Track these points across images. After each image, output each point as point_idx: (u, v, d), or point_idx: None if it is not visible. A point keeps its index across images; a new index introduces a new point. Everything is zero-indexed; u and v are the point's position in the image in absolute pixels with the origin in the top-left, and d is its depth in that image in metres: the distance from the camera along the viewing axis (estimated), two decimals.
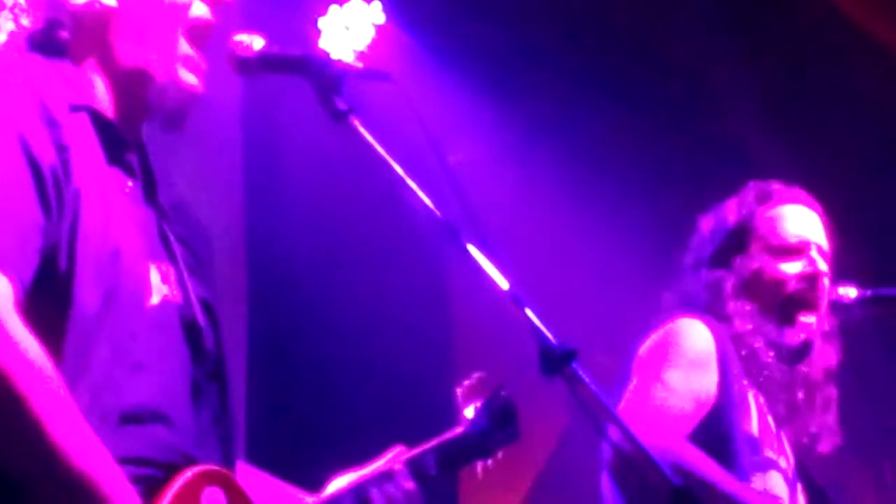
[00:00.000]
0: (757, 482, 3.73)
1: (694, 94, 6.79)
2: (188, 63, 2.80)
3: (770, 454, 3.81)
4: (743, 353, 3.81)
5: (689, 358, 3.76)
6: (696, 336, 3.80)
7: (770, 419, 3.86)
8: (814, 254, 3.88)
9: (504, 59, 6.18)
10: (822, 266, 3.85)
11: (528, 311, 2.56)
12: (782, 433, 3.87)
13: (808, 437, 3.87)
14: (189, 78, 2.79)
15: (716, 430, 3.71)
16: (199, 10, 2.81)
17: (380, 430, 2.97)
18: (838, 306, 3.83)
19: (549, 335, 2.53)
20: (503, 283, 2.63)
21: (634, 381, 3.72)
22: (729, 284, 3.86)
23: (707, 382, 3.73)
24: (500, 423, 2.99)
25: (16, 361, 2.42)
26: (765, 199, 3.95)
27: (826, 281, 3.85)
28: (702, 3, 6.62)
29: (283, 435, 4.79)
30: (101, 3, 2.76)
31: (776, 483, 3.81)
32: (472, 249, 2.66)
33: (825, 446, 3.89)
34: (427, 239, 2.87)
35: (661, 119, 6.64)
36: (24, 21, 2.79)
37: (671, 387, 3.67)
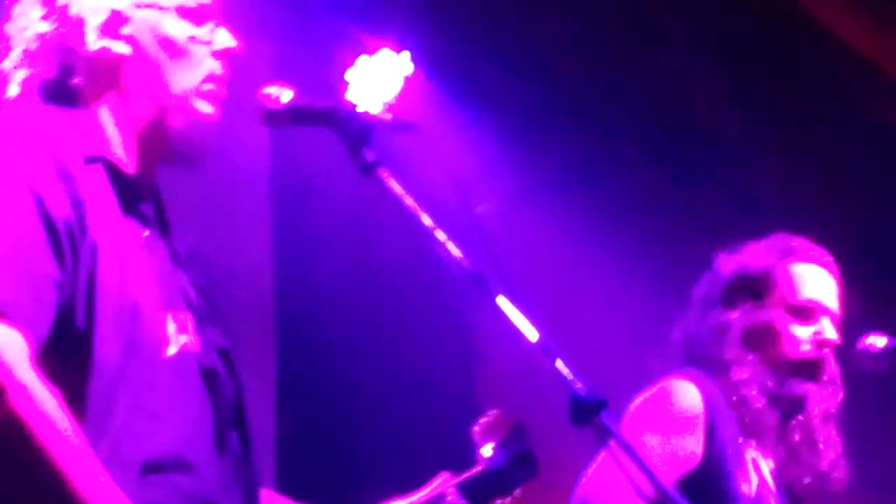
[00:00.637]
0: None
1: (710, 147, 6.80)
2: (203, 94, 2.80)
3: None
4: (734, 399, 3.79)
5: (672, 421, 3.74)
6: (682, 399, 3.77)
7: (769, 477, 3.84)
8: (826, 321, 3.86)
9: (529, 110, 6.20)
10: (833, 335, 3.83)
11: (559, 362, 2.54)
12: (782, 490, 3.85)
13: (815, 478, 3.83)
14: (204, 107, 2.79)
15: (704, 492, 3.66)
16: (212, 64, 2.83)
17: (402, 468, 2.96)
18: (867, 356, 3.81)
19: (579, 385, 2.52)
20: (532, 334, 2.60)
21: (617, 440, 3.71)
22: (736, 329, 3.83)
23: (689, 445, 3.71)
24: (518, 460, 2.97)
25: (33, 414, 2.42)
26: (789, 253, 3.93)
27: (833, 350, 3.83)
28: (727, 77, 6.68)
29: (312, 469, 4.80)
30: (114, 51, 2.76)
31: None
32: (501, 300, 2.64)
33: (835, 484, 3.86)
34: (454, 288, 2.85)
35: (678, 170, 6.65)
36: (39, 67, 2.78)
37: (648, 448, 3.63)
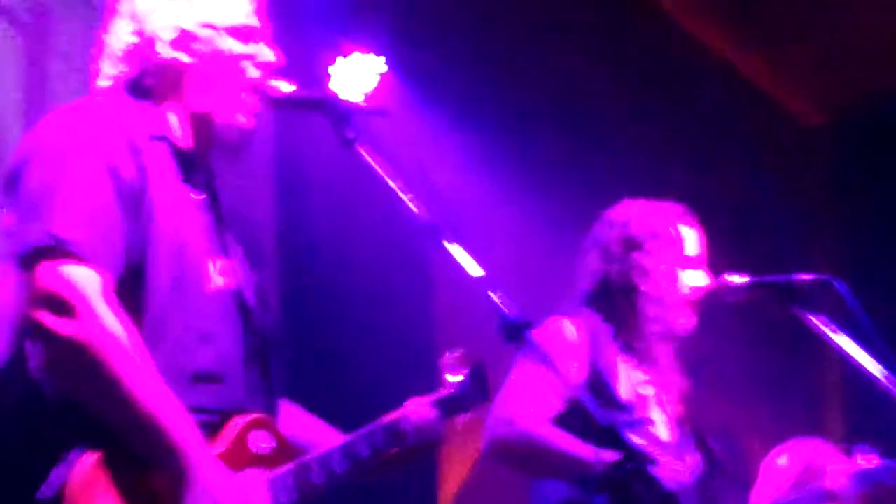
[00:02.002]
0: (633, 433, 3.62)
1: (610, 129, 6.78)
2: (242, 105, 2.79)
3: (643, 412, 3.77)
4: (627, 329, 3.76)
5: (559, 347, 3.70)
6: (565, 330, 3.75)
7: (644, 386, 3.81)
8: (703, 269, 3.86)
9: (472, 98, 6.17)
10: (708, 280, 3.83)
11: (492, 293, 2.55)
12: (661, 394, 3.83)
13: (678, 388, 3.83)
14: (241, 118, 2.78)
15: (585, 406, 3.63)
16: (255, 73, 2.81)
17: (381, 391, 2.96)
18: (727, 290, 3.81)
19: (508, 311, 2.52)
20: (475, 271, 2.62)
21: (514, 369, 3.69)
22: (632, 277, 3.82)
23: (575, 367, 3.68)
24: (477, 387, 2.98)
25: (103, 336, 2.40)
26: (670, 215, 3.91)
27: (705, 282, 3.82)
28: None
29: (314, 389, 4.79)
30: (180, 60, 2.75)
31: (649, 433, 3.76)
32: (450, 245, 2.65)
33: (679, 395, 3.86)
34: (416, 236, 2.85)
35: (587, 144, 6.62)
36: (124, 68, 2.78)
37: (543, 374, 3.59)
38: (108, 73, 2.79)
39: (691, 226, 3.92)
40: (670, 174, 4.20)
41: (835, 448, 4.78)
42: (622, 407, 3.72)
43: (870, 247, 7.57)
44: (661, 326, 3.81)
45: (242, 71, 2.79)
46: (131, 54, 2.77)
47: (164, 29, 2.75)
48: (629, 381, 3.78)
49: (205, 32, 2.77)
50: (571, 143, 6.52)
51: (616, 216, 3.94)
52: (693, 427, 3.87)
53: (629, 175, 6.09)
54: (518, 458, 3.61)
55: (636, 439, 3.63)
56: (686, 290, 3.83)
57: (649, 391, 3.81)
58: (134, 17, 2.79)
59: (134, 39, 2.77)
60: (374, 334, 5.66)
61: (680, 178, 4.15)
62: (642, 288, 3.82)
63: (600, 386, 3.70)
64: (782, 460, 4.74)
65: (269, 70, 2.83)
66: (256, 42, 2.83)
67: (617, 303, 3.82)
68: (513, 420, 3.53)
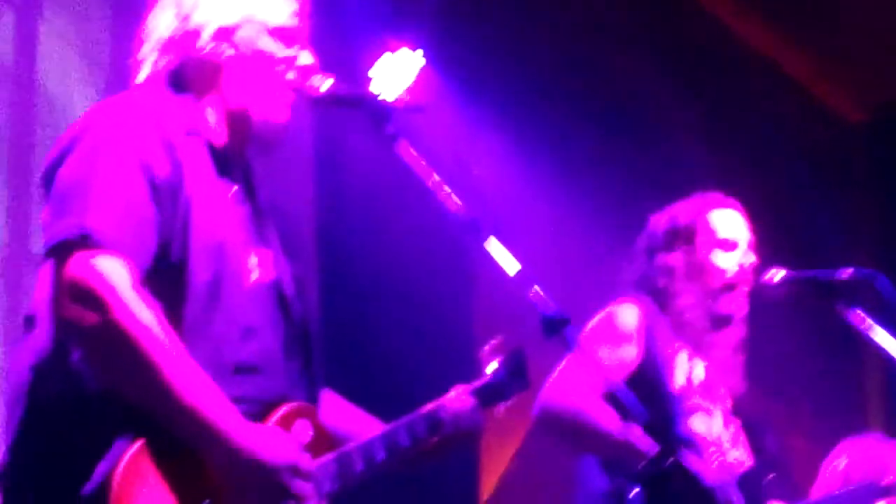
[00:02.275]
0: (680, 424, 3.68)
1: (654, 127, 6.74)
2: (279, 101, 2.80)
3: (697, 401, 3.76)
4: (681, 322, 3.78)
5: (614, 334, 3.73)
6: (623, 316, 3.77)
7: (702, 373, 3.81)
8: (744, 249, 3.85)
9: (512, 96, 6.17)
10: (751, 257, 3.83)
11: (535, 287, 2.57)
12: (716, 384, 3.83)
13: (732, 382, 3.83)
14: (278, 113, 2.80)
15: (642, 385, 3.60)
16: (292, 75, 2.82)
17: (421, 382, 2.96)
18: (766, 286, 3.80)
19: (547, 307, 2.54)
20: (514, 267, 2.63)
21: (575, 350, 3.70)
22: (678, 268, 3.81)
23: (628, 353, 3.70)
24: (516, 375, 2.97)
25: (133, 324, 2.41)
26: (707, 205, 3.92)
27: (753, 270, 3.83)
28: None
29: (354, 381, 4.80)
30: (222, 55, 2.77)
31: (701, 423, 3.76)
32: (490, 241, 2.66)
33: (738, 390, 3.84)
34: (455, 232, 2.86)
35: (630, 142, 6.60)
36: (166, 58, 2.79)
37: (599, 357, 3.63)
38: (148, 60, 2.80)
39: (730, 209, 3.92)
40: (713, 172, 4.19)
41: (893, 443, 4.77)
42: (674, 395, 3.73)
43: None
44: (708, 313, 3.82)
45: (281, 72, 2.80)
46: (174, 44, 2.78)
47: (208, 24, 2.76)
48: (684, 368, 3.78)
49: (248, 30, 2.78)
50: (612, 140, 6.52)
51: (663, 212, 3.99)
52: (745, 420, 3.86)
53: (670, 172, 6.08)
54: (565, 429, 3.63)
55: (685, 430, 3.69)
56: (729, 275, 3.82)
57: (703, 380, 3.81)
58: (180, 8, 2.80)
59: (178, 31, 2.78)
60: (414, 326, 5.67)
61: (723, 175, 4.13)
62: (685, 277, 3.85)
63: (654, 372, 3.73)
64: (842, 461, 4.73)
65: (307, 72, 2.83)
66: (297, 45, 2.83)
67: (666, 292, 3.83)
68: (566, 392, 3.54)
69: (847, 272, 3.60)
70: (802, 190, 7.14)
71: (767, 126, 7.28)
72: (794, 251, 4.31)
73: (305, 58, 2.83)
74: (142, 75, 2.81)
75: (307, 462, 2.55)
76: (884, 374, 7.44)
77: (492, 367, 2.99)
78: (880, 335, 3.45)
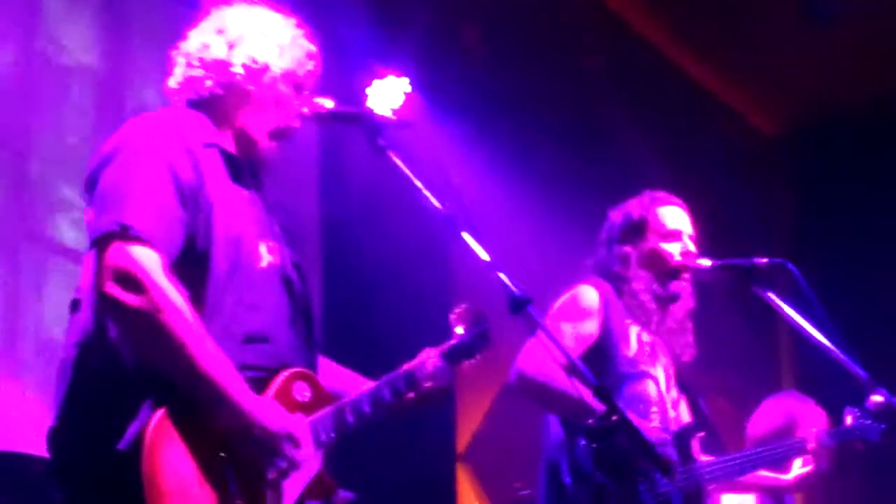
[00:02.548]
0: (630, 387, 3.66)
1: (607, 140, 6.76)
2: (289, 125, 2.83)
3: (645, 366, 3.74)
4: (633, 303, 3.74)
5: (577, 311, 3.70)
6: (585, 296, 3.73)
7: (648, 346, 3.78)
8: (686, 239, 3.83)
9: (487, 116, 6.18)
10: (692, 247, 3.81)
11: (501, 274, 2.56)
12: (661, 355, 3.80)
13: (679, 351, 3.81)
14: (287, 134, 2.85)
15: (600, 354, 3.63)
16: (303, 109, 2.84)
17: (404, 348, 2.95)
18: (698, 271, 3.79)
19: (513, 288, 2.53)
20: (485, 256, 2.62)
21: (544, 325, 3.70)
22: (633, 258, 3.79)
23: (589, 327, 3.67)
24: (479, 336, 2.95)
25: (165, 303, 2.41)
26: (655, 202, 3.90)
27: (693, 258, 3.81)
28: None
29: (350, 345, 4.77)
30: (247, 86, 2.76)
31: (647, 386, 3.73)
32: (465, 234, 2.65)
33: (687, 357, 3.81)
34: (436, 226, 2.85)
35: (587, 152, 6.60)
36: (195, 72, 2.78)
37: (561, 332, 3.60)
38: (182, 73, 2.78)
39: (675, 205, 3.91)
40: (654, 180, 4.21)
41: (812, 404, 4.76)
42: (626, 363, 3.70)
43: (823, 239, 7.53)
44: (657, 294, 3.78)
45: (293, 106, 2.80)
46: (209, 66, 2.75)
47: (244, 57, 2.75)
48: (634, 341, 3.75)
49: (274, 71, 2.77)
50: (569, 153, 6.53)
51: (618, 209, 3.96)
52: (683, 385, 3.85)
53: (622, 177, 6.08)
54: (535, 392, 3.60)
55: (635, 390, 3.68)
56: (675, 260, 3.80)
57: (650, 351, 3.79)
58: (222, 36, 2.77)
59: (216, 56, 2.75)
60: (401, 304, 5.67)
61: (661, 183, 4.15)
62: (637, 264, 3.81)
63: (610, 343, 3.70)
64: (766, 413, 4.73)
65: (315, 106, 2.84)
66: (310, 85, 2.83)
67: (621, 277, 3.81)
68: (535, 362, 3.52)
69: (763, 260, 3.61)
70: (729, 192, 7.16)
71: (701, 139, 7.33)
72: (721, 244, 4.29)
73: (314, 104, 2.84)
74: (170, 84, 2.80)
75: (298, 431, 2.56)
76: (794, 344, 7.48)
77: (459, 330, 2.96)
78: (790, 311, 3.45)
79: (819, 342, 3.39)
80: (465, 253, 2.64)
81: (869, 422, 3.99)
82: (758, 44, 6.96)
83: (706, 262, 3.75)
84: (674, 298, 3.79)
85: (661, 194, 3.94)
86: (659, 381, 3.76)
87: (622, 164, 6.56)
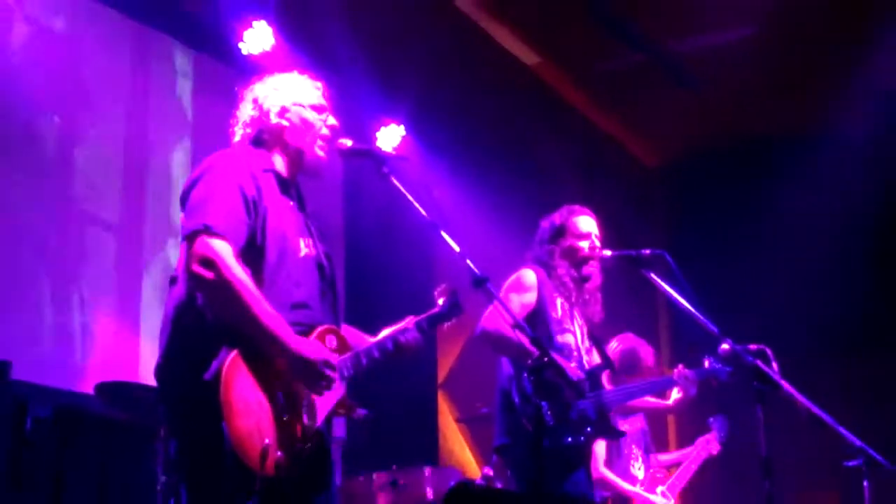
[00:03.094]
0: (557, 339, 3.61)
1: (538, 170, 6.71)
2: (320, 146, 2.77)
3: (567, 325, 3.70)
4: (558, 282, 3.69)
5: (521, 287, 3.64)
6: (526, 276, 3.68)
7: (568, 311, 3.73)
8: (594, 239, 3.80)
9: (459, 153, 6.17)
10: (597, 243, 3.79)
11: (468, 261, 2.56)
12: (578, 317, 3.77)
13: (590, 315, 3.78)
14: (319, 152, 2.77)
15: (537, 317, 3.58)
16: (325, 131, 2.79)
17: (402, 311, 2.93)
18: (602, 259, 3.77)
19: (476, 271, 2.52)
20: (457, 248, 2.61)
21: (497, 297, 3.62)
22: (557, 252, 3.76)
23: (529, 297, 3.61)
24: (454, 306, 2.92)
25: (235, 279, 2.39)
26: (572, 213, 3.89)
27: (598, 251, 3.78)
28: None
29: (363, 312, 4.72)
30: (282, 125, 2.73)
31: (568, 339, 3.67)
32: (443, 233, 2.63)
33: (597, 319, 3.76)
34: (424, 230, 2.83)
35: (525, 179, 6.56)
36: (248, 129, 2.76)
37: (510, 301, 3.53)
38: (239, 131, 2.77)
39: (586, 214, 3.86)
40: (569, 196, 4.18)
41: (650, 347, 4.75)
42: (553, 322, 3.65)
43: (689, 238, 7.34)
44: (575, 275, 3.72)
45: (318, 130, 2.77)
46: (253, 121, 2.75)
47: (272, 107, 2.74)
48: (559, 307, 3.70)
49: (295, 109, 2.75)
50: (513, 179, 6.48)
51: (546, 218, 3.90)
52: (594, 338, 3.81)
53: (546, 196, 6.06)
54: (492, 342, 3.53)
55: (560, 341, 3.62)
56: (586, 252, 3.75)
57: (570, 314, 3.73)
58: (255, 101, 2.77)
59: (254, 114, 2.75)
60: (399, 284, 5.61)
61: (574, 198, 4.13)
62: (560, 256, 3.75)
63: (543, 309, 3.64)
64: (614, 344, 4.73)
65: (334, 129, 2.80)
66: (325, 113, 2.80)
67: (550, 265, 3.74)
68: (493, 321, 3.47)
69: (647, 252, 3.59)
70: (622, 206, 7.09)
71: (601, 167, 7.21)
72: (616, 242, 4.29)
73: (331, 120, 2.80)
74: (235, 138, 2.79)
75: (334, 359, 2.54)
76: (669, 311, 7.45)
77: (440, 301, 2.92)
78: (666, 288, 3.45)
79: (685, 308, 3.38)
80: (443, 246, 2.63)
81: (719, 366, 4.00)
82: (643, 100, 6.83)
83: (608, 253, 3.71)
84: (586, 279, 3.75)
85: (576, 207, 3.89)
86: (577, 335, 3.72)
87: (548, 185, 6.51)
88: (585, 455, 3.57)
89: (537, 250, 3.83)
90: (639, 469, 4.59)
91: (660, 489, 4.59)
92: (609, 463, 4.48)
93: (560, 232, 3.80)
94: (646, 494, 4.48)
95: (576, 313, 3.75)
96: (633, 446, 4.60)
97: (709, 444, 4.78)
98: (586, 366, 3.68)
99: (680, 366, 4.10)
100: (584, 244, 3.76)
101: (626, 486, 4.45)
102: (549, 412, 3.40)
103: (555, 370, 2.63)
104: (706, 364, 4.03)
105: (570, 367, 3.57)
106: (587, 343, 3.77)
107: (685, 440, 5.59)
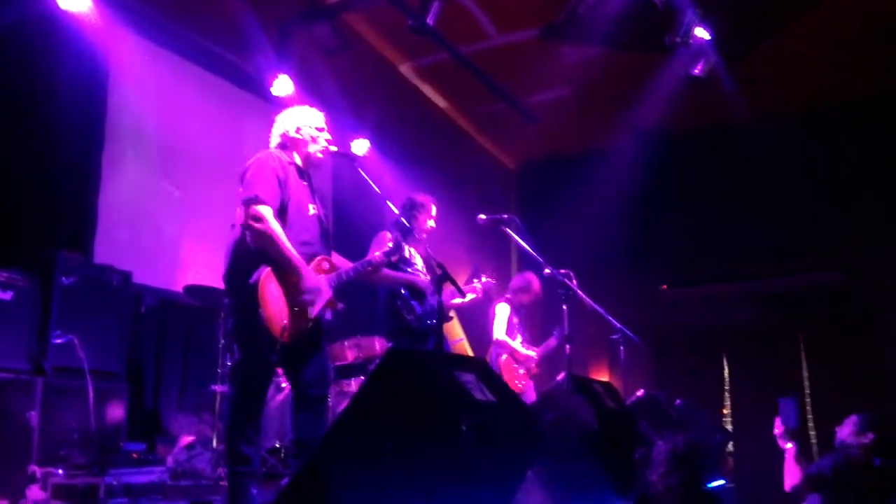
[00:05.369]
0: (413, 270, 3.28)
1: (440, 168, 6.29)
2: (320, 151, 2.70)
3: (415, 262, 3.45)
4: (412, 239, 3.35)
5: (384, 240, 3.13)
6: (386, 238, 3.17)
7: (416, 255, 3.36)
8: (432, 211, 3.55)
9: (409, 160, 5.85)
10: (433, 216, 3.42)
11: (402, 218, 2.66)
12: (420, 257, 3.36)
13: (429, 257, 3.08)
14: (319, 154, 2.72)
15: (404, 261, 3.21)
16: (324, 142, 2.70)
17: (366, 246, 2.77)
18: (479, 222, 3.40)
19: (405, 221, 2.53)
20: (396, 210, 2.63)
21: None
22: (409, 219, 3.29)
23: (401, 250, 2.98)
24: (397, 246, 2.79)
25: (274, 230, 2.39)
26: (427, 198, 3.61)
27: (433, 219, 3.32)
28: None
29: (345, 248, 4.51)
30: (298, 138, 2.66)
31: (419, 267, 3.36)
32: (389, 203, 2.67)
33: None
34: (378, 200, 2.77)
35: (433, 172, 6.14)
36: (278, 139, 2.68)
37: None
38: (273, 140, 2.72)
39: (430, 198, 3.57)
40: (439, 189, 3.76)
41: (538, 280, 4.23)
42: (411, 262, 3.45)
43: (539, 229, 6.81)
44: (420, 237, 3.46)
45: (319, 141, 2.72)
46: (281, 135, 2.70)
47: (292, 127, 2.70)
48: (412, 254, 3.47)
49: (307, 128, 2.71)
50: (430, 173, 5.99)
51: (411, 195, 3.51)
52: (431, 266, 3.46)
53: (440, 189, 5.51)
54: (389, 279, 3.32)
55: (415, 270, 3.41)
56: (431, 224, 3.44)
57: (416, 257, 3.43)
58: (281, 124, 2.72)
59: (281, 131, 2.70)
60: (363, 231, 4.88)
61: (444, 189, 3.79)
62: (414, 224, 3.39)
63: (408, 257, 3.43)
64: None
65: (329, 141, 2.69)
66: (323, 131, 2.75)
67: (407, 229, 3.32)
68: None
69: (506, 216, 3.43)
70: (486, 202, 6.25)
71: (470, 167, 6.62)
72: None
73: (326, 135, 2.76)
74: (272, 143, 2.73)
75: (320, 283, 2.43)
76: (519, 257, 7.10)
77: (389, 245, 2.72)
78: (516, 238, 3.35)
79: (527, 251, 3.30)
80: (388, 211, 2.63)
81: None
82: (506, 127, 6.52)
83: (483, 217, 3.41)
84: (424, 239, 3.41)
85: (425, 194, 3.58)
86: (420, 268, 3.47)
87: (445, 177, 6.02)
88: (435, 330, 3.25)
89: (401, 216, 3.20)
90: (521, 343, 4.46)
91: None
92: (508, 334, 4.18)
93: (419, 207, 3.48)
94: (524, 351, 4.36)
95: (419, 254, 3.51)
96: (518, 333, 4.45)
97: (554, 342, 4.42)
98: (431, 282, 3.46)
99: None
100: (429, 222, 3.54)
101: (514, 344, 4.21)
102: (418, 308, 3.34)
103: (418, 285, 2.70)
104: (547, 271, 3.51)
105: (424, 280, 3.44)
106: (428, 272, 3.55)
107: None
